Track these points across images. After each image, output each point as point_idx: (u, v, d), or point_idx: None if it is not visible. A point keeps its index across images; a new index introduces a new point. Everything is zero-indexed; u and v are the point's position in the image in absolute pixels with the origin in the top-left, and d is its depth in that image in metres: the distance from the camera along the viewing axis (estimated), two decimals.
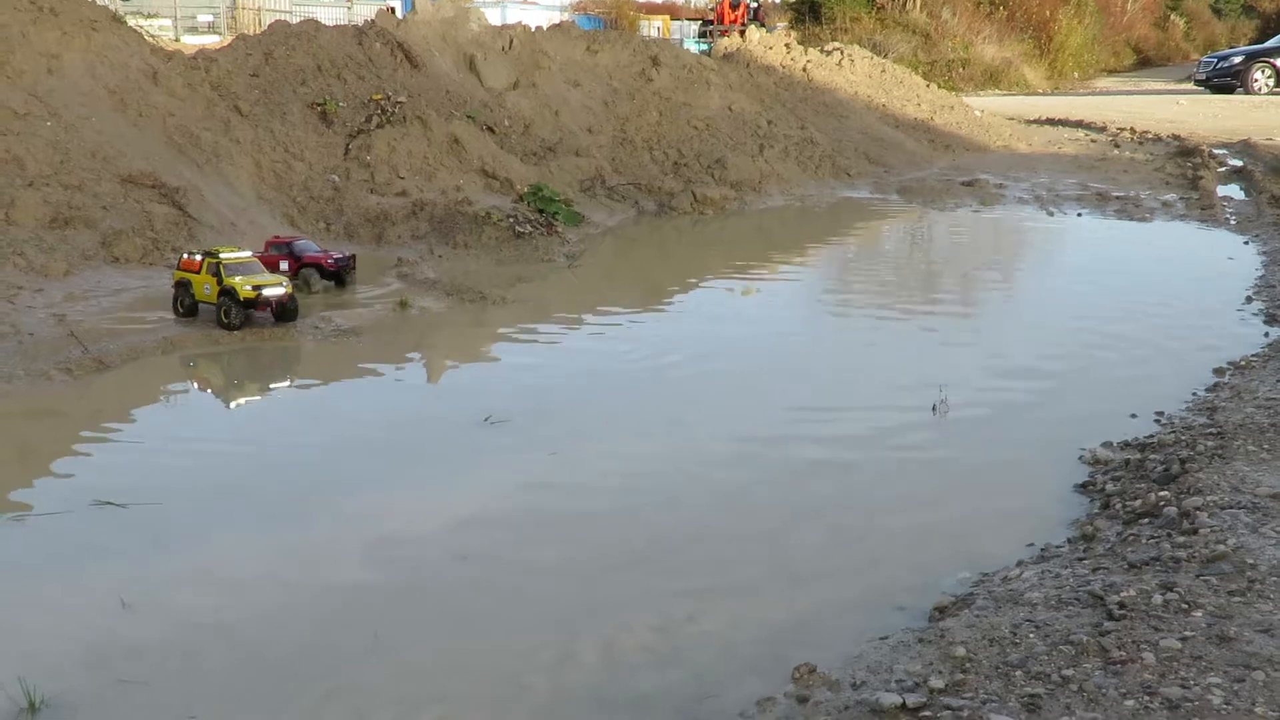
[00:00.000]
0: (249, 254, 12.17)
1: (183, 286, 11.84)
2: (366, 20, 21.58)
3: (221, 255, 11.71)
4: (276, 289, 11.61)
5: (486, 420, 9.19)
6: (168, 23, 38.51)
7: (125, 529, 7.22)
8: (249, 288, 11.44)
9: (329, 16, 33.91)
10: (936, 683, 4.99)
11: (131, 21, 20.93)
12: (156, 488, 7.82)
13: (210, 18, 41.85)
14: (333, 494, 7.88)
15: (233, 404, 10.44)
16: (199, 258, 11.78)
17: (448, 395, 10.50)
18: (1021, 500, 7.77)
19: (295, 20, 21.15)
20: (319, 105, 18.25)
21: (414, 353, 11.64)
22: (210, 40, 33.03)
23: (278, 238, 14.07)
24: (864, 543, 7.12)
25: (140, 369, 10.62)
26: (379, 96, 18.77)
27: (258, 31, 23.10)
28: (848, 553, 6.99)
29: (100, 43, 16.43)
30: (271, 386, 11.01)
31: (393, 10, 28.95)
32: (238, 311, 11.47)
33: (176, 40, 33.97)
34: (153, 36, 21.85)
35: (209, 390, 10.83)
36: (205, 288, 11.64)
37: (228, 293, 11.46)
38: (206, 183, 15.48)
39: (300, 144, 17.41)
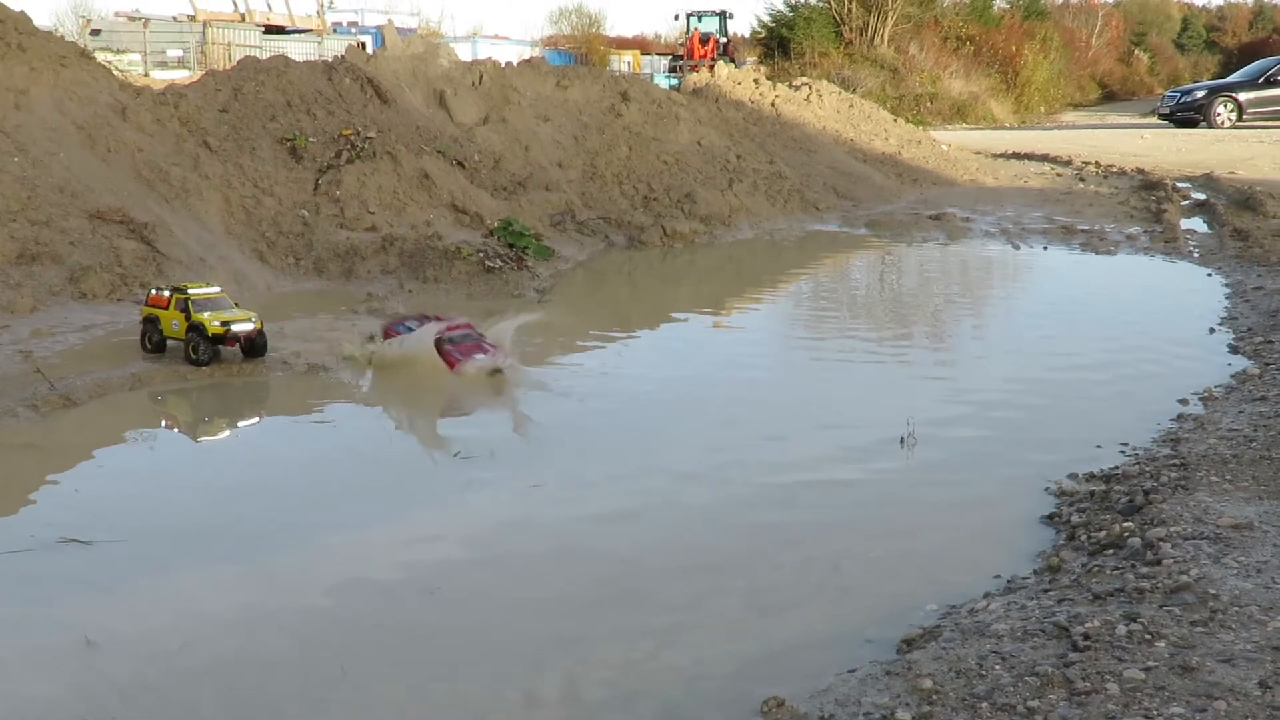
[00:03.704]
0: (217, 289, 12.15)
1: (151, 322, 11.78)
2: (336, 56, 21.63)
3: (190, 291, 11.68)
4: (245, 324, 11.57)
5: (456, 455, 9.18)
6: (137, 58, 38.55)
7: (91, 566, 7.16)
8: (217, 323, 11.40)
9: (299, 52, 34.06)
10: (904, 715, 5.02)
11: (100, 57, 20.93)
12: (123, 525, 7.77)
13: (180, 53, 41.91)
14: (301, 529, 7.85)
15: (200, 440, 10.39)
16: (167, 293, 11.74)
17: (418, 430, 10.49)
18: (988, 532, 7.82)
19: (265, 56, 21.20)
20: (288, 140, 18.25)
21: (384, 388, 11.61)
22: (179, 75, 33.03)
23: (402, 319, 12.33)
24: (833, 575, 7.14)
25: (107, 405, 10.56)
26: (349, 132, 18.80)
27: (227, 67, 23.10)
28: (817, 585, 7.01)
29: (69, 78, 16.39)
30: (240, 423, 10.95)
31: (363, 46, 29.10)
32: (206, 347, 11.42)
33: (146, 75, 33.98)
34: (122, 72, 21.87)
35: (176, 427, 10.76)
36: (173, 323, 11.59)
37: (196, 328, 11.41)
38: (175, 218, 15.43)
39: (269, 179, 17.40)
